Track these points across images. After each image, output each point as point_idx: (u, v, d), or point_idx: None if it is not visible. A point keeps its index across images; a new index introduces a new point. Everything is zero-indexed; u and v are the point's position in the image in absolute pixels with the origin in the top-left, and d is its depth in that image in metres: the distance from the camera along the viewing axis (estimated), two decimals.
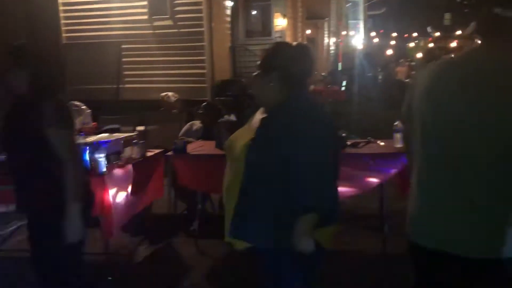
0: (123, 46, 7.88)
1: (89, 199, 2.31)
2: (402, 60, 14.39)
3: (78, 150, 2.34)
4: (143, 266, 3.48)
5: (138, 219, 3.91)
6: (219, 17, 8.20)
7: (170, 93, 7.45)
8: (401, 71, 12.85)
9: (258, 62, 1.92)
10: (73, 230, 2.11)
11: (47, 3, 7.98)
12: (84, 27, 8.03)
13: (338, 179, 1.93)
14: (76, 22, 8.08)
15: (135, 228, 3.91)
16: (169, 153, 3.78)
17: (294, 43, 2.01)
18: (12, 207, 4.07)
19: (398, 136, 3.49)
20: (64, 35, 8.14)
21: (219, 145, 3.78)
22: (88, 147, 3.32)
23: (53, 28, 8.10)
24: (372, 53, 13.98)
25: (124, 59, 7.94)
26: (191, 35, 7.66)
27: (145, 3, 7.67)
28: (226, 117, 4.04)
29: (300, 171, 1.72)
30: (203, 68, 7.78)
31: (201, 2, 7.59)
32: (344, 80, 12.62)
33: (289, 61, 1.86)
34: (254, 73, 1.94)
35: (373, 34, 17.68)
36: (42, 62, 2.20)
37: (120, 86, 7.95)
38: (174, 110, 7.40)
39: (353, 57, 13.06)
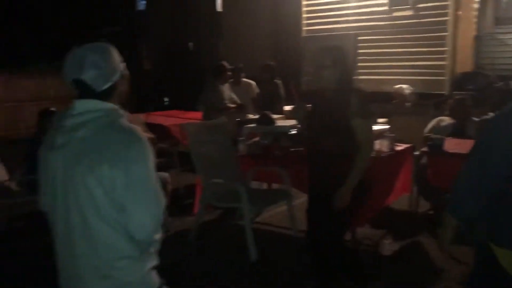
0: (359, 37, 7.92)
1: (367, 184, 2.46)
2: None
3: (373, 139, 2.53)
4: (391, 261, 3.44)
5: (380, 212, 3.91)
6: (465, 4, 7.52)
7: (404, 86, 7.22)
8: None
9: None
10: (342, 199, 2.43)
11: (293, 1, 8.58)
12: (322, 20, 8.36)
13: None
14: (315, 16, 8.46)
15: (377, 221, 3.92)
16: (423, 149, 3.65)
17: None
18: (263, 185, 4.55)
19: None
20: (304, 28, 8.62)
21: None
22: None
23: (295, 22, 8.68)
24: None
25: (359, 51, 7.99)
26: (433, 25, 7.23)
27: None
28: (485, 116, 3.66)
29: None
30: (443, 59, 7.28)
31: None
32: None
33: None
34: None
35: None
36: (347, 61, 2.44)
37: (355, 77, 8.04)
38: (407, 103, 7.14)
39: None
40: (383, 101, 6.89)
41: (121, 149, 1.40)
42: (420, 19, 7.36)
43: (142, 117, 5.88)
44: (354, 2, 7.89)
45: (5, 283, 3.18)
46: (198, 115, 5.94)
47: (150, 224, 1.44)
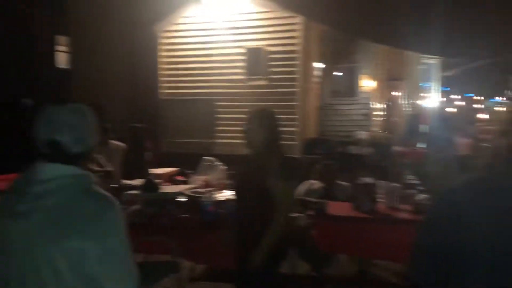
0: (219, 103, 8.26)
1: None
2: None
3: (289, 202, 2.55)
4: None
5: None
6: (309, 78, 8.48)
7: None
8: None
9: (499, 128, 1.84)
10: (258, 260, 2.43)
11: (149, 62, 8.57)
12: (182, 85, 8.53)
13: None
14: (175, 80, 8.60)
15: None
16: (309, 212, 3.85)
17: None
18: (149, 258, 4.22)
19: None
20: (163, 91, 8.65)
21: (358, 208, 3.81)
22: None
23: (153, 85, 8.64)
24: (446, 116, 13.81)
25: (218, 116, 8.29)
26: (285, 94, 7.93)
27: (242, 64, 8.06)
28: (362, 179, 4.08)
29: None
30: (294, 126, 7.96)
31: (296, 64, 7.90)
32: (418, 142, 12.37)
33: None
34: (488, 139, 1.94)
35: (452, 96, 17.74)
36: (273, 123, 2.54)
37: (213, 140, 8.26)
38: None
39: (427, 118, 12.94)
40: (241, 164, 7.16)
41: (95, 219, 1.30)
42: (273, 89, 8.02)
43: None
44: (213, 69, 8.25)
45: None
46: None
47: None
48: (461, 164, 9.22)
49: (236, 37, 8.08)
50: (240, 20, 8.05)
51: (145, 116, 8.32)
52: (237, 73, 8.15)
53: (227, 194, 3.92)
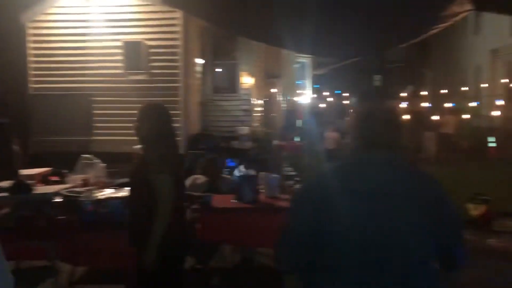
0: (96, 98, 7.88)
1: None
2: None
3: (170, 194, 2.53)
4: None
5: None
6: (191, 73, 8.51)
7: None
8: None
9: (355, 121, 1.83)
10: (149, 260, 2.44)
11: (15, 54, 7.85)
12: (55, 79, 7.96)
13: None
14: (47, 74, 7.99)
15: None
16: (193, 206, 3.88)
17: None
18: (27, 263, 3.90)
19: None
20: (32, 85, 7.99)
21: (241, 199, 3.94)
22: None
23: (20, 78, 7.92)
24: (318, 111, 14.84)
25: (96, 111, 7.92)
26: (167, 90, 7.85)
27: (120, 57, 7.79)
28: (244, 171, 4.23)
29: None
30: (177, 122, 7.90)
31: (177, 59, 7.87)
32: (294, 136, 13.13)
33: None
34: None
35: (323, 93, 19.09)
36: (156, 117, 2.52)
37: (91, 138, 7.88)
38: None
39: (302, 114, 13.79)
40: (122, 162, 6.95)
41: None
42: (154, 84, 7.89)
43: None
44: (90, 63, 7.84)
45: None
46: None
47: None
48: (329, 156, 10.02)
49: (114, 29, 7.78)
50: (118, 13, 7.77)
51: (11, 112, 7.62)
52: (115, 67, 7.86)
53: (108, 192, 3.79)
